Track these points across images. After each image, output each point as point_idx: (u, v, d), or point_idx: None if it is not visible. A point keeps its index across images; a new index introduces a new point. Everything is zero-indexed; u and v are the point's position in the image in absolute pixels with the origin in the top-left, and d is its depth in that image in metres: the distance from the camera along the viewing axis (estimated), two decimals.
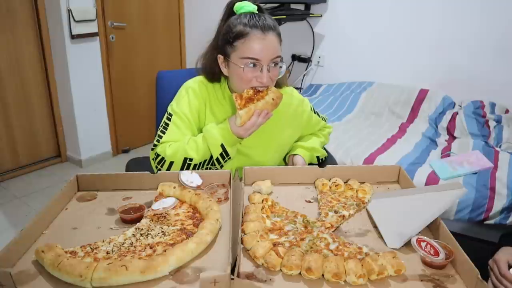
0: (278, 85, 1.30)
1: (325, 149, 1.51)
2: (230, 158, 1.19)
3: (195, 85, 1.27)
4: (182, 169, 1.17)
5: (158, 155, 1.20)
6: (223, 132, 1.16)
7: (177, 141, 1.21)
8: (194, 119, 1.24)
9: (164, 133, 1.23)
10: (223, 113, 1.26)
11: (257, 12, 1.18)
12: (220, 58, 1.20)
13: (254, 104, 1.13)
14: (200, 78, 1.30)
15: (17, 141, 2.95)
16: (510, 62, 2.50)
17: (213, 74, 1.26)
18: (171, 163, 1.18)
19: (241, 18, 1.15)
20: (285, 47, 3.87)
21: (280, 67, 1.19)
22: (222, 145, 1.16)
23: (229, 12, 1.21)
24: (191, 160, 1.17)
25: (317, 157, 1.44)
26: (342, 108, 2.83)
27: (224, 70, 1.22)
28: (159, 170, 1.18)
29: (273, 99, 1.15)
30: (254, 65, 1.13)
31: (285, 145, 1.39)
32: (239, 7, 1.18)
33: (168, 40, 3.62)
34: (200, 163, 1.18)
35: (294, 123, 1.37)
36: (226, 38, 1.16)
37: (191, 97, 1.25)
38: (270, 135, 1.31)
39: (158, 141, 1.23)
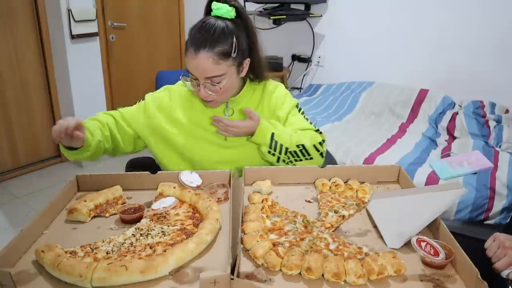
0: (257, 77, 1.26)
1: (316, 148, 1.24)
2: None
3: (171, 89, 1.30)
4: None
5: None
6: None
7: (113, 123, 1.27)
8: (152, 112, 1.26)
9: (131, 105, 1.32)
10: (199, 107, 1.26)
11: (232, 17, 1.13)
12: None
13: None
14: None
15: (17, 141, 2.95)
16: (510, 62, 2.50)
17: None
18: None
19: (196, 27, 1.13)
20: (285, 47, 3.86)
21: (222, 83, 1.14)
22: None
23: (207, 10, 1.16)
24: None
25: (272, 135, 1.19)
26: (342, 108, 2.83)
27: None
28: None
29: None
30: (195, 79, 1.14)
31: None
32: (214, 7, 1.13)
33: (168, 40, 3.62)
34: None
35: (274, 117, 1.29)
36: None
37: (166, 94, 1.29)
38: None
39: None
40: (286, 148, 1.19)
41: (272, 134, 1.19)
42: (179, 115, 1.26)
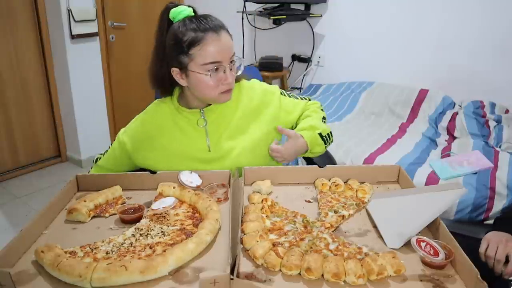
0: (236, 80, 1.23)
1: (323, 110, 1.37)
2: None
3: (146, 115, 1.27)
4: None
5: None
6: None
7: (107, 169, 1.28)
8: (132, 150, 1.23)
9: (103, 154, 1.30)
10: (175, 128, 1.23)
11: (194, 14, 1.13)
12: (175, 71, 1.13)
13: None
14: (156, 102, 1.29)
15: (17, 141, 2.95)
16: (510, 62, 2.50)
17: (166, 88, 1.22)
18: None
19: (186, 24, 1.09)
20: (285, 47, 3.85)
21: (237, 63, 1.17)
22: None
23: (167, 21, 1.13)
24: None
25: (320, 134, 1.25)
26: (342, 108, 2.82)
27: (182, 82, 1.15)
28: None
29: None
30: (217, 68, 1.10)
31: (259, 140, 1.26)
32: (176, 13, 1.11)
33: None
34: None
35: (260, 116, 1.26)
36: (178, 49, 1.09)
37: (138, 126, 1.25)
38: (240, 134, 1.24)
39: (100, 158, 1.30)
40: (329, 132, 1.29)
41: (320, 134, 1.25)
42: (156, 140, 1.22)
